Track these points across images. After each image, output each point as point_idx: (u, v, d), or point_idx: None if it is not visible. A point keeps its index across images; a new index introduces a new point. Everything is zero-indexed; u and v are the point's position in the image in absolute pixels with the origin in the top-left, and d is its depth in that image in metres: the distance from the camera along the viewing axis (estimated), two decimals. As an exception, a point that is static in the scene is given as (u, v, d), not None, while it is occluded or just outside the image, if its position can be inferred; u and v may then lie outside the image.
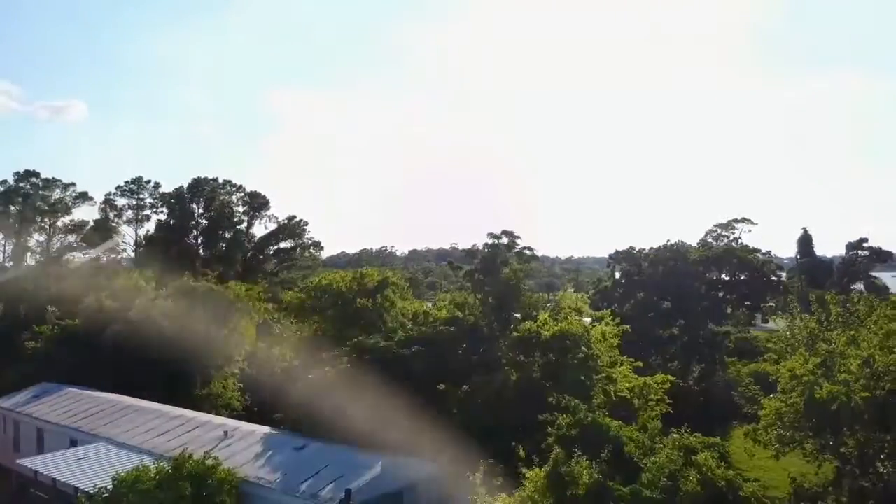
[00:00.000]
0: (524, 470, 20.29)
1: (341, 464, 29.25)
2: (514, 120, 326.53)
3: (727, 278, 55.23)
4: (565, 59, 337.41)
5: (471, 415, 30.39)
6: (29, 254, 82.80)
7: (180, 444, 32.71)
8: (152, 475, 26.83)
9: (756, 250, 54.87)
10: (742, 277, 54.68)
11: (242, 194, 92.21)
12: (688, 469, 19.17)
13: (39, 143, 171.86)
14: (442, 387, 32.06)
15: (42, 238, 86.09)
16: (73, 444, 37.09)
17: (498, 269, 39.61)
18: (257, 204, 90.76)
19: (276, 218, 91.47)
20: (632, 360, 32.53)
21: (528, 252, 40.91)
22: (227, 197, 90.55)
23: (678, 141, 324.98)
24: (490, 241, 41.17)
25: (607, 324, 33.16)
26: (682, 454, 19.96)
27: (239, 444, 32.76)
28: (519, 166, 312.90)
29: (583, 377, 28.27)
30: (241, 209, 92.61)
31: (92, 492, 26.76)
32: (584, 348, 29.85)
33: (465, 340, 37.00)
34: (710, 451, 20.17)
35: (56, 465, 31.75)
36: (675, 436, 21.53)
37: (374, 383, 33.31)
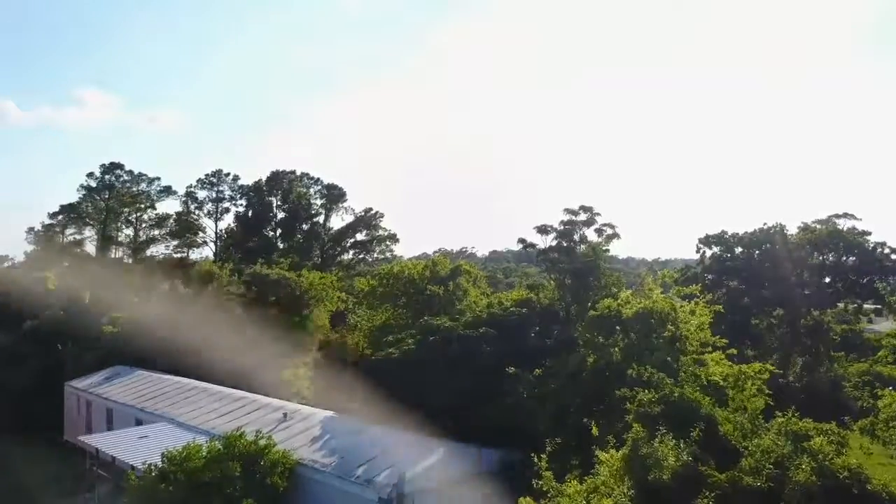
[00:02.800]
0: (598, 453, 17.48)
1: (400, 450, 27.19)
2: (605, 116, 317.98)
3: (833, 260, 49.66)
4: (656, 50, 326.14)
5: (543, 400, 27.66)
6: (114, 245, 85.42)
7: (239, 425, 31.53)
8: (203, 454, 25.52)
9: (867, 233, 49.47)
10: (850, 262, 49.30)
11: (320, 187, 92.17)
12: (799, 456, 15.91)
13: (138, 149, 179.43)
14: (512, 370, 29.42)
15: (129, 231, 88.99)
16: (139, 423, 36.87)
17: (574, 247, 36.66)
18: (334, 196, 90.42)
19: (353, 210, 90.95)
20: (725, 341, 28.81)
21: (608, 229, 37.64)
22: (304, 189, 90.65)
23: (770, 136, 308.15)
24: (566, 218, 38.12)
25: (697, 303, 29.65)
26: (790, 440, 16.68)
27: (297, 427, 31.30)
28: (607, 163, 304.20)
29: (669, 358, 25.04)
30: (318, 202, 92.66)
31: (143, 469, 25.72)
32: (670, 327, 26.58)
33: (537, 322, 34.31)
34: (825, 437, 16.80)
35: (116, 444, 31.20)
36: (779, 419, 18.16)
37: (438, 365, 31.16)
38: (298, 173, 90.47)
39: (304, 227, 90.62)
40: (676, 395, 18.71)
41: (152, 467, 25.21)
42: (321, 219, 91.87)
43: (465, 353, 31.30)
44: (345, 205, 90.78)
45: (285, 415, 32.71)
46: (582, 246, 39.02)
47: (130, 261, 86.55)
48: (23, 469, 38.81)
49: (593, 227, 38.98)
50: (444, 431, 29.27)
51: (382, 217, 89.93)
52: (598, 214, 39.12)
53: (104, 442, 31.59)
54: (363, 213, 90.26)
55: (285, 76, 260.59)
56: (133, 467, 27.66)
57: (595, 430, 17.70)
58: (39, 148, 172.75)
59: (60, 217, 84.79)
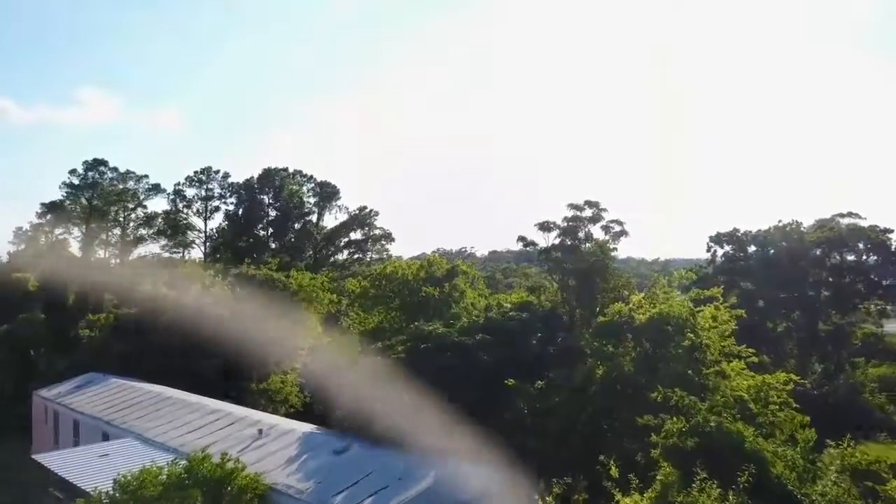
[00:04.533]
0: (617, 496, 14.40)
1: (386, 472, 24.21)
2: (602, 114, 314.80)
3: (852, 258, 46.63)
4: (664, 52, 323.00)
5: (546, 415, 24.67)
6: (102, 245, 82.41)
7: (211, 441, 28.55)
8: (162, 479, 22.44)
9: (888, 230, 46.44)
10: (871, 262, 46.27)
11: (313, 184, 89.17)
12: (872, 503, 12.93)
13: (138, 149, 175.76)
14: (511, 381, 26.41)
15: (117, 231, 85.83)
16: (105, 437, 33.88)
17: (579, 245, 33.73)
18: (327, 193, 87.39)
19: (347, 208, 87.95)
20: (751, 351, 25.77)
21: (616, 226, 34.66)
22: (296, 187, 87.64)
23: (769, 134, 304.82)
24: (570, 214, 35.14)
25: (717, 307, 26.63)
26: (853, 480, 13.66)
27: (273, 445, 28.23)
28: (606, 162, 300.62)
29: (689, 371, 22.05)
30: (311, 200, 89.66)
31: (92, 494, 22.68)
32: (690, 335, 23.59)
33: (539, 328, 31.30)
34: (896, 475, 13.73)
35: (72, 463, 28.04)
36: (831, 450, 15.12)
37: (430, 375, 28.15)
38: (291, 171, 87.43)
39: (297, 226, 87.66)
40: (713, 425, 15.64)
41: (102, 495, 22.17)
42: (314, 217, 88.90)
43: (459, 363, 28.29)
44: (338, 203, 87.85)
45: (260, 431, 29.63)
46: (587, 244, 36.07)
47: (118, 261, 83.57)
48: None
49: (599, 224, 36.08)
50: (437, 449, 26.34)
51: (377, 215, 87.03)
52: (605, 210, 36.25)
53: (59, 461, 28.43)
54: (357, 212, 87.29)
55: (283, 75, 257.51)
56: (88, 493, 24.68)
57: (615, 470, 14.50)
58: (38, 147, 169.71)
59: (49, 216, 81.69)
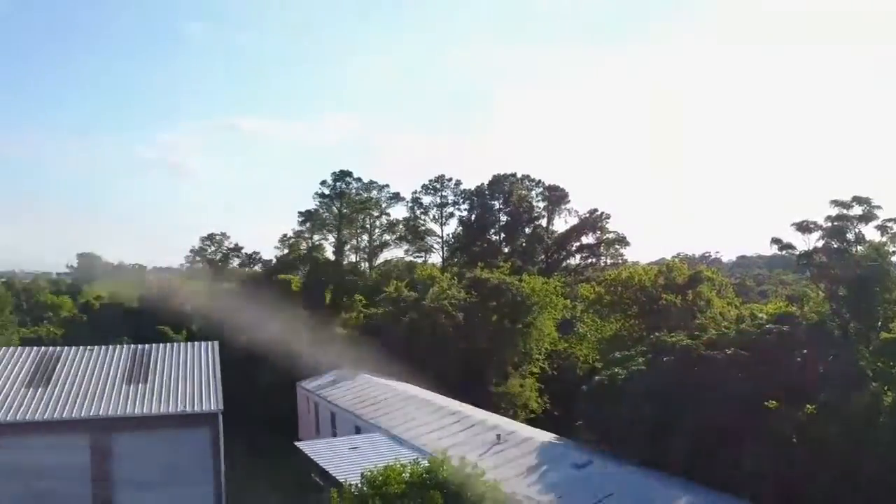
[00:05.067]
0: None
1: (630, 494, 22.75)
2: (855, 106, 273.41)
3: None
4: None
5: (818, 446, 21.58)
6: (353, 250, 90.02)
7: (451, 443, 29.18)
8: (405, 477, 23.21)
9: None
10: None
11: (541, 189, 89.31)
12: None
13: (375, 162, 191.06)
14: (773, 403, 23.54)
15: (365, 237, 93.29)
16: (357, 430, 36.43)
17: (848, 248, 29.42)
18: (556, 197, 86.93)
19: (577, 212, 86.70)
20: None
21: (894, 226, 29.70)
22: (525, 192, 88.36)
23: None
24: (835, 212, 30.78)
25: None
26: None
27: (511, 452, 28.06)
28: (864, 156, 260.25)
29: None
30: (540, 204, 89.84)
31: (343, 485, 24.19)
32: None
33: (804, 344, 27.62)
34: None
35: (326, 453, 30.38)
36: None
37: (674, 391, 26.14)
38: (519, 176, 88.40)
39: (527, 230, 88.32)
40: None
41: (353, 487, 23.50)
42: (544, 222, 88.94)
43: (708, 380, 25.87)
44: (568, 206, 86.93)
45: (499, 436, 29.64)
46: (858, 247, 31.35)
47: (367, 264, 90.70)
48: (259, 467, 40.19)
49: (873, 224, 31.10)
50: (685, 475, 24.35)
51: (609, 218, 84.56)
52: (879, 207, 31.07)
53: (315, 450, 30.98)
54: (587, 215, 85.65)
55: (499, 76, 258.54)
56: (340, 483, 26.50)
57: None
58: (292, 163, 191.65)
59: (307, 224, 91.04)
